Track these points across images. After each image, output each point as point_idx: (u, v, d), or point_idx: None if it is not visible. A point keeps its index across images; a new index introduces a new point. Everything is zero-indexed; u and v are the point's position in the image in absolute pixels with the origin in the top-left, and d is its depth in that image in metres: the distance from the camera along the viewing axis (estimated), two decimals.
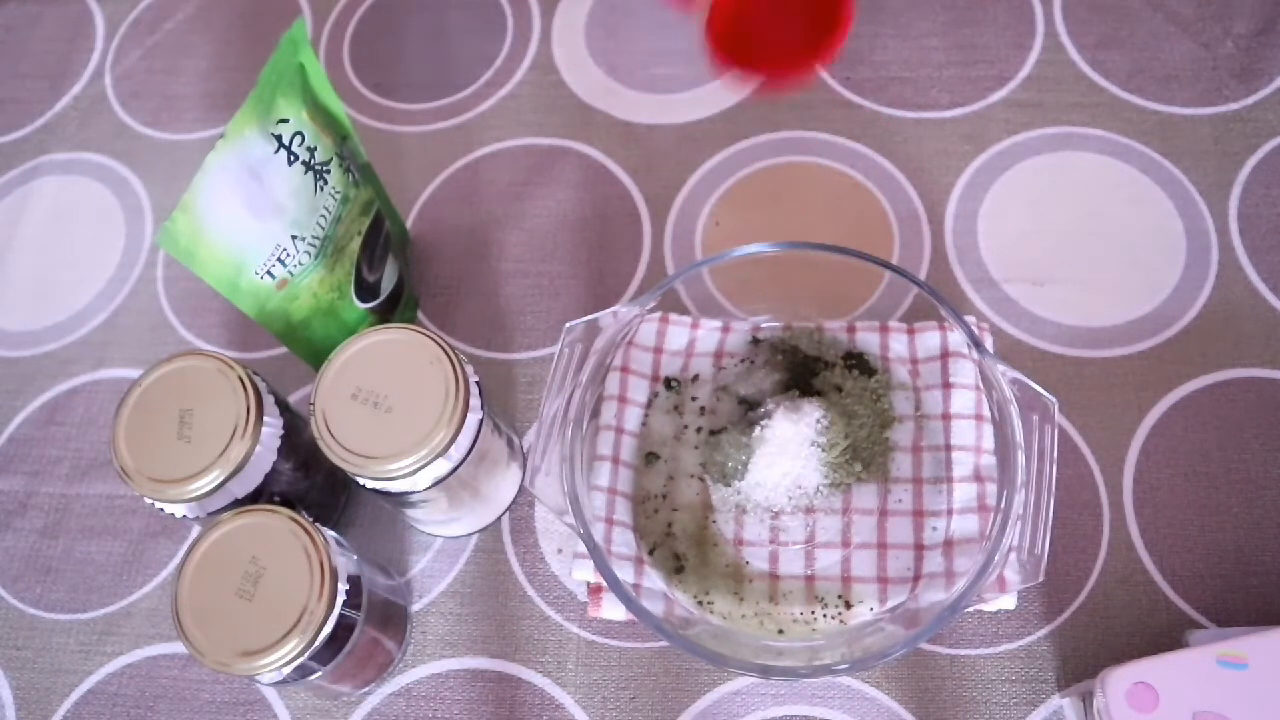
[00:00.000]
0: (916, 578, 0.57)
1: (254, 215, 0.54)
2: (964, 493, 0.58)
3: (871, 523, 0.59)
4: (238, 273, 0.55)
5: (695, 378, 0.64)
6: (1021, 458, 0.52)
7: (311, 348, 0.62)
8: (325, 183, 0.58)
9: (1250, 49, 0.72)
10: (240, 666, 0.49)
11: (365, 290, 0.63)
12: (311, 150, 0.56)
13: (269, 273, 0.56)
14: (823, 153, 0.72)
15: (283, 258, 0.57)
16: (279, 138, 0.54)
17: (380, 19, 0.82)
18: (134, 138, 0.80)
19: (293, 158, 0.55)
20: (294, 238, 0.57)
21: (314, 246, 0.58)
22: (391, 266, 0.66)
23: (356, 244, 0.61)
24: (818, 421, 0.58)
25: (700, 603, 0.57)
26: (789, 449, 0.58)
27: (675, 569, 0.58)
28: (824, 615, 0.56)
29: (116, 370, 0.71)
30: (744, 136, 0.74)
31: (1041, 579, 0.50)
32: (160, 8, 0.85)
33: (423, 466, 0.52)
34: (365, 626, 0.54)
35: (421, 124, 0.77)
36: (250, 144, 0.53)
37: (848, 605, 0.56)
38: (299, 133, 0.55)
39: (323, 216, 0.58)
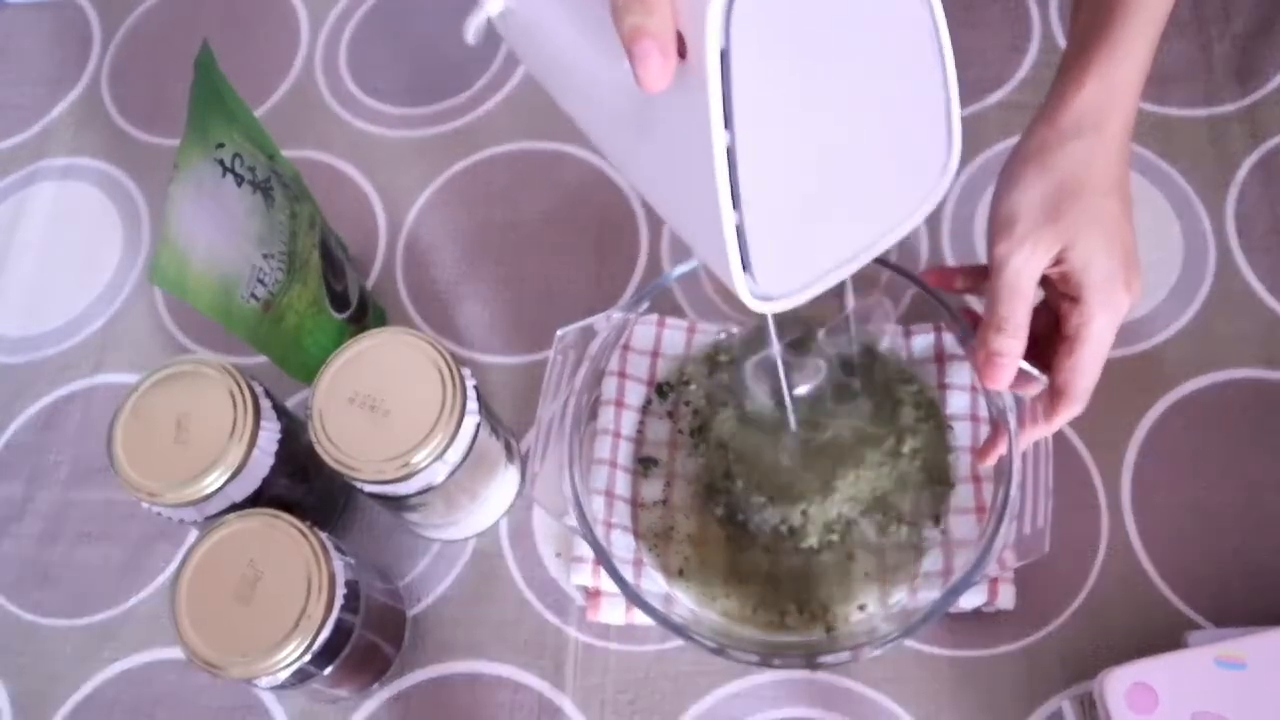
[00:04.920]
0: (915, 577, 0.57)
1: (226, 240, 0.55)
2: (961, 494, 0.58)
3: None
4: (228, 298, 0.55)
5: (687, 382, 0.63)
6: (1018, 460, 0.52)
7: (306, 368, 0.62)
8: (273, 200, 0.58)
9: (1247, 49, 0.72)
10: (238, 670, 0.49)
11: (337, 300, 0.64)
12: (252, 169, 0.57)
13: (253, 295, 0.57)
14: None
15: (261, 277, 0.57)
16: (222, 162, 0.55)
17: (377, 23, 0.82)
18: (130, 143, 0.80)
19: (239, 179, 0.56)
20: (265, 255, 0.57)
21: (284, 262, 0.59)
22: (352, 276, 0.66)
23: (316, 256, 0.62)
24: None
25: (701, 603, 0.57)
26: None
27: (676, 570, 0.58)
28: (824, 614, 0.56)
29: (114, 375, 0.71)
30: None
31: (1047, 550, 0.50)
32: (156, 13, 0.85)
33: (419, 470, 0.52)
34: (363, 630, 0.54)
35: (419, 128, 0.77)
36: (202, 172, 0.54)
37: (847, 604, 0.56)
38: (238, 154, 0.56)
39: (281, 232, 0.59)
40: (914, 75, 0.37)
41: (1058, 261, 0.49)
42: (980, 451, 0.55)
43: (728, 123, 0.32)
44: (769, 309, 0.38)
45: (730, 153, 0.33)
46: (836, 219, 0.38)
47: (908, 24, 0.35)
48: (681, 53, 0.32)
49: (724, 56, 0.31)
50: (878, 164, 0.38)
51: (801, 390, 0.57)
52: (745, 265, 0.36)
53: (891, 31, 0.35)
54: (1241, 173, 0.68)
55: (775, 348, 0.51)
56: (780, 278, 0.38)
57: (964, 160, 0.70)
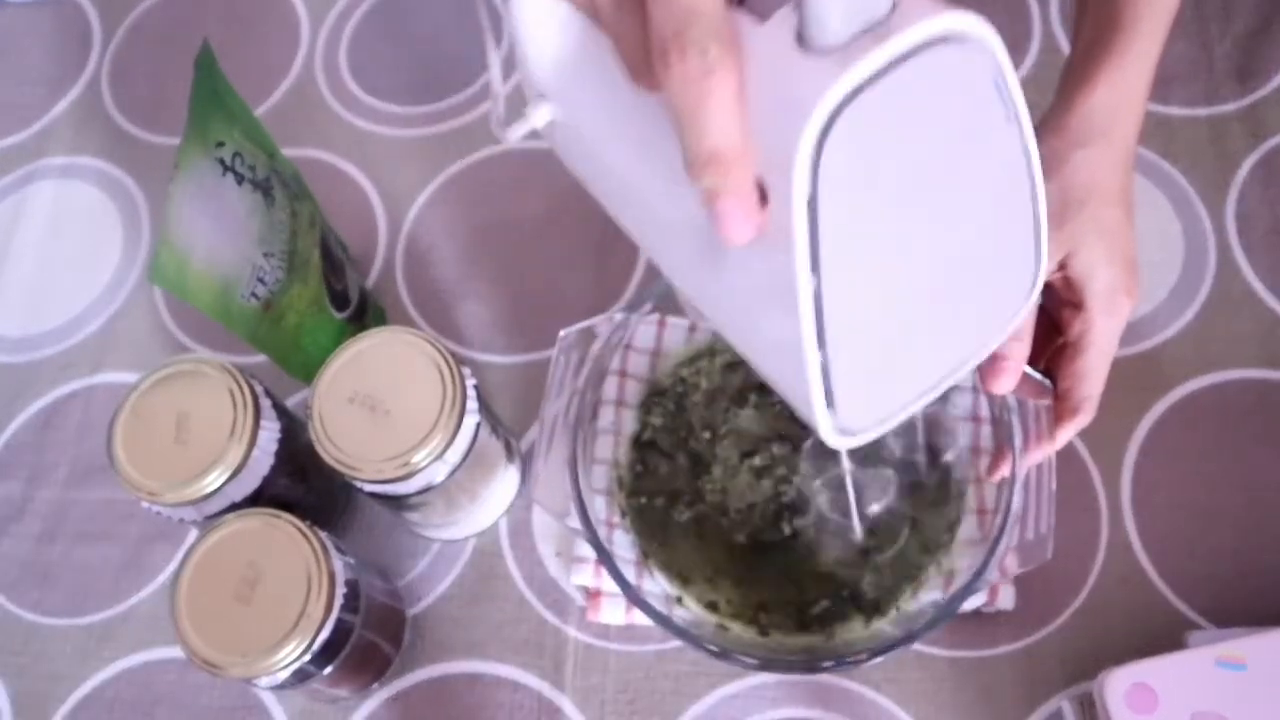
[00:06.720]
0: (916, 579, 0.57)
1: (227, 239, 0.55)
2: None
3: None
4: (228, 298, 0.55)
5: (684, 380, 0.63)
6: (1021, 465, 0.52)
7: (306, 368, 0.62)
8: (273, 199, 0.58)
9: (1248, 49, 0.72)
10: (238, 670, 0.49)
11: (337, 300, 0.64)
12: (252, 168, 0.57)
13: (253, 294, 0.57)
14: None
15: (261, 277, 0.57)
16: (222, 160, 0.55)
17: (377, 22, 0.82)
18: (130, 142, 0.80)
19: (239, 178, 0.56)
20: (265, 254, 0.57)
21: (284, 261, 0.59)
22: (352, 275, 0.66)
23: (316, 255, 0.62)
24: None
25: (704, 604, 0.57)
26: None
27: (676, 571, 0.58)
28: (825, 616, 0.56)
29: (114, 375, 0.71)
30: None
31: (1049, 556, 0.50)
32: (156, 12, 0.85)
33: (419, 470, 0.52)
34: (363, 630, 0.54)
35: (420, 127, 0.77)
36: (202, 171, 0.54)
37: (849, 606, 0.56)
38: (238, 153, 0.56)
39: (281, 231, 0.59)
40: (1006, 197, 0.34)
41: (1060, 267, 0.49)
42: (988, 470, 0.55)
43: (814, 268, 0.30)
44: (850, 444, 0.36)
45: (816, 296, 0.31)
46: (922, 349, 0.36)
47: (998, 145, 0.33)
48: (764, 196, 0.30)
49: (811, 203, 0.29)
50: (967, 291, 0.36)
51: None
52: (829, 403, 0.34)
53: (983, 157, 0.33)
54: (1242, 172, 0.68)
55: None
56: (863, 411, 0.36)
57: None
